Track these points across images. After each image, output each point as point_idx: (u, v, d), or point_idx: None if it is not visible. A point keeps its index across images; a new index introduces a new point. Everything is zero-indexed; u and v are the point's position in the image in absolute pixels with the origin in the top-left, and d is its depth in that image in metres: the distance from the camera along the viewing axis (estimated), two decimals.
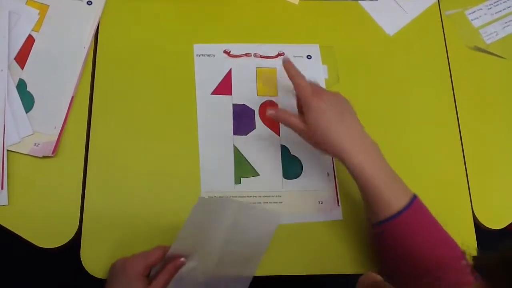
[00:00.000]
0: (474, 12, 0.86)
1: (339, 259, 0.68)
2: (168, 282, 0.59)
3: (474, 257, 0.40)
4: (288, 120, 0.65)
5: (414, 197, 0.61)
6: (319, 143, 0.63)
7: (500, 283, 0.35)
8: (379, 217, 0.60)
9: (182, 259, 0.60)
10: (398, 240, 0.60)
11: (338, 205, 0.71)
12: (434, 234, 0.61)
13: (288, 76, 0.66)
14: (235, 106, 0.75)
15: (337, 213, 0.70)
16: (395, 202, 0.59)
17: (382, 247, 0.64)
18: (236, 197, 0.70)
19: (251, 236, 0.63)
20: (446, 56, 0.82)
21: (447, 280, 0.57)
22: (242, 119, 0.74)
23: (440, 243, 0.61)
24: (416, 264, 0.59)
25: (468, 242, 0.70)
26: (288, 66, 0.66)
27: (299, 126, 0.64)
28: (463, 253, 0.60)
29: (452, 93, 0.79)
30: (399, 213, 0.59)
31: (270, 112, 0.66)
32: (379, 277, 0.51)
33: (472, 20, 0.85)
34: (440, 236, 0.61)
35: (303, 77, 0.65)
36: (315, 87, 0.65)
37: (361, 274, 0.66)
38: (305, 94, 0.63)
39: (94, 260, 0.65)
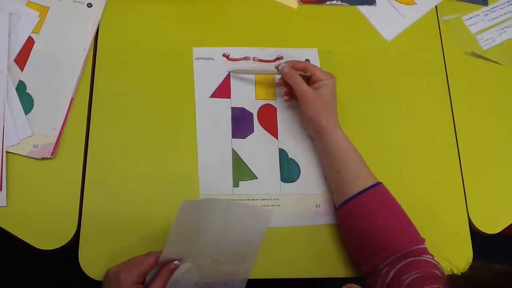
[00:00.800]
0: (471, 18, 0.87)
1: (336, 263, 0.69)
2: (164, 286, 0.59)
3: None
4: (299, 83, 0.69)
5: (380, 183, 0.65)
6: (314, 113, 0.68)
7: None
8: (347, 193, 0.65)
9: (176, 262, 0.60)
10: (362, 218, 0.64)
11: (335, 208, 0.71)
12: (396, 218, 0.64)
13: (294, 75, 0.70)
14: (233, 109, 0.75)
15: (334, 217, 0.70)
16: (363, 178, 0.65)
17: (348, 229, 0.67)
18: (234, 200, 0.70)
19: (244, 233, 0.63)
20: (443, 61, 0.82)
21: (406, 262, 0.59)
22: (241, 123, 0.74)
23: (402, 229, 0.64)
24: (376, 245, 0.62)
25: (462, 248, 0.71)
26: (289, 75, 0.70)
27: (308, 91, 0.68)
28: (424, 244, 0.63)
29: (448, 98, 0.80)
30: (365, 190, 0.64)
31: (282, 65, 0.71)
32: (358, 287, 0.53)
33: (469, 26, 0.86)
34: (403, 223, 0.64)
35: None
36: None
37: (358, 278, 0.67)
38: (319, 70, 0.70)
39: (92, 262, 0.65)
